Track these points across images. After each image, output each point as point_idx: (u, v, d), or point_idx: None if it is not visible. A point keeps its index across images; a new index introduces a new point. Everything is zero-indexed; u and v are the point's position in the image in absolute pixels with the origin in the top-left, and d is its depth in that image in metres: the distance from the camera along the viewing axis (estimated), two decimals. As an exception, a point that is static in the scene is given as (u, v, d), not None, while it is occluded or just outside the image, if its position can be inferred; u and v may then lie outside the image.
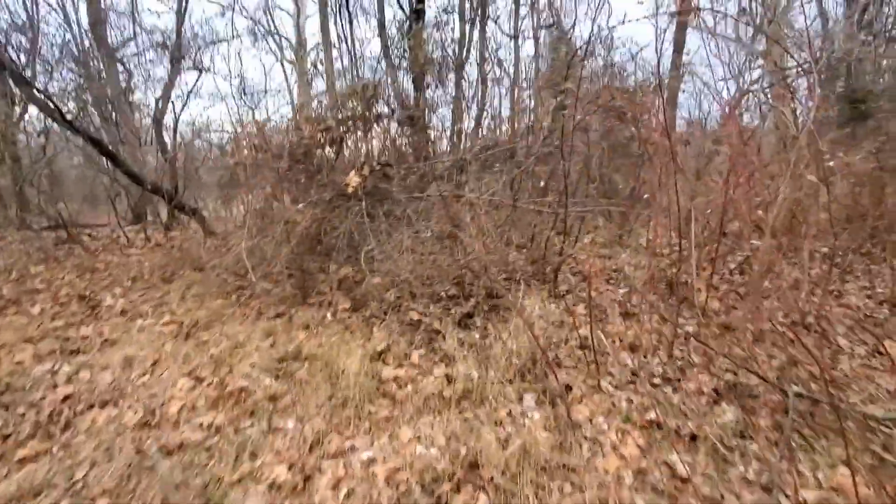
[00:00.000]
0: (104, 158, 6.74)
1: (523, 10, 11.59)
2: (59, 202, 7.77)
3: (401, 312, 3.08)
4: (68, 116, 6.34)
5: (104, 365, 2.71)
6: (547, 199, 3.61)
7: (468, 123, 6.29)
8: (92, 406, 2.35)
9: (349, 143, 4.61)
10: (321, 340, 2.82)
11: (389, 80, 5.23)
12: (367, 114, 4.30)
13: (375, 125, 4.53)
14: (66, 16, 9.60)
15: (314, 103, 6.26)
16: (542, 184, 3.84)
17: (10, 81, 6.63)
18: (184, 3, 9.37)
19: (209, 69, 10.71)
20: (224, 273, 3.88)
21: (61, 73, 8.77)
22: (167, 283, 4.14)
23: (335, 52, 10.76)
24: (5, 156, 8.56)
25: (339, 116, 4.49)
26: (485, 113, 7.11)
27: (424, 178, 4.06)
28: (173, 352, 2.80)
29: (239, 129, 4.14)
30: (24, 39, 8.33)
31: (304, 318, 3.18)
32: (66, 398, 2.41)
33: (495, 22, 10.56)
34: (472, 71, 8.37)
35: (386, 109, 4.61)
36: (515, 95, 7.95)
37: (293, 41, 15.31)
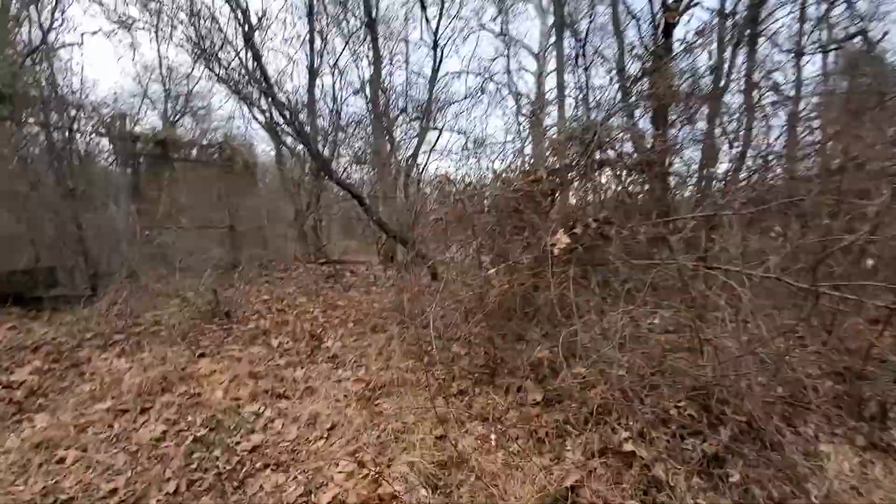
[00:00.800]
0: (362, 209, 8.03)
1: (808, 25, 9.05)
2: (330, 242, 9.64)
3: (606, 428, 2.23)
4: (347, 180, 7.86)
5: (295, 417, 2.76)
6: (877, 284, 2.19)
7: (725, 167, 4.90)
8: (267, 466, 2.34)
9: (565, 195, 4.03)
10: (496, 449, 2.23)
11: (622, 121, 4.49)
12: (587, 160, 3.66)
13: (596, 174, 3.84)
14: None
15: (528, 155, 6.00)
16: (869, 262, 2.39)
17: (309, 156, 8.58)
18: (435, 71, 10.78)
19: (449, 128, 11.95)
20: (422, 332, 3.76)
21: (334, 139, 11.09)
22: (377, 332, 4.30)
23: (569, 102, 10.51)
24: (309, 204, 11.24)
25: (556, 166, 3.98)
26: (749, 150, 5.49)
27: (657, 241, 3.12)
28: (351, 418, 2.66)
29: (450, 183, 4.08)
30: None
31: (485, 404, 2.67)
32: (254, 449, 2.48)
33: (769, 39, 8.50)
34: (733, 100, 6.76)
35: (611, 154, 3.87)
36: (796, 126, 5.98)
37: (531, 97, 15.95)
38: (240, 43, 6.61)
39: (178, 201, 8.80)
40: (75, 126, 6.89)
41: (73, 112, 7.08)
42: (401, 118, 11.79)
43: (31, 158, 6.59)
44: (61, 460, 2.41)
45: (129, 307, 5.17)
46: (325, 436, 2.54)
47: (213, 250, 10.02)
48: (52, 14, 8.98)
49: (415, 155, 11.24)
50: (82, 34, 13.16)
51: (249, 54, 6.83)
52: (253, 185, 9.76)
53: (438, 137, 11.87)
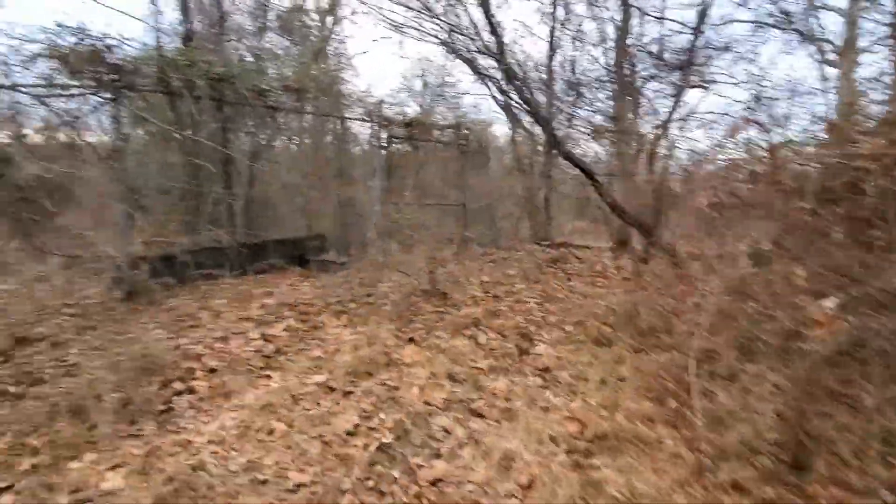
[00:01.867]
0: (594, 188, 7.01)
1: None
2: (556, 223, 8.93)
3: None
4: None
5: (487, 449, 2.21)
6: None
7: None
8: (443, 515, 1.84)
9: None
10: None
11: None
12: None
13: None
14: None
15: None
16: None
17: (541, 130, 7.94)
18: (704, 15, 8.51)
19: (714, 83, 9.41)
20: (668, 359, 2.70)
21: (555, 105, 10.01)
22: (601, 345, 3.41)
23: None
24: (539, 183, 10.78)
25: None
26: None
27: None
28: (556, 478, 1.94)
29: (738, 156, 2.77)
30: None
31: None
32: (435, 482, 2.03)
33: None
34: None
35: None
36: None
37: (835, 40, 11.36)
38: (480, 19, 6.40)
39: (421, 179, 9.52)
40: (347, 115, 8.01)
41: (346, 103, 8.24)
42: (651, 80, 9.95)
43: (316, 144, 8.00)
44: (271, 431, 2.47)
45: (366, 277, 5.65)
46: (519, 496, 1.90)
47: (446, 226, 10.65)
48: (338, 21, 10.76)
49: (666, 123, 9.34)
50: (372, 39, 15.76)
51: (489, 29, 6.61)
52: (485, 164, 9.80)
53: (701, 100, 9.55)
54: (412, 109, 9.19)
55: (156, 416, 2.70)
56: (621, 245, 9.33)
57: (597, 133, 10.59)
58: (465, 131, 9.38)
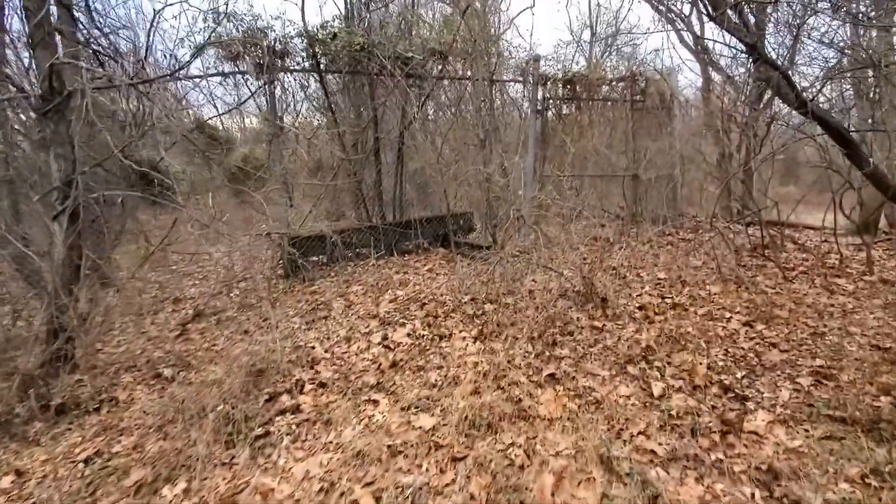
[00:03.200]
0: (845, 154, 4.79)
1: None
2: (762, 193, 6.65)
3: None
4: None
5: None
6: None
7: None
8: None
9: None
10: None
11: None
12: None
13: None
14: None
15: None
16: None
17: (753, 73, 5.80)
18: None
19: None
20: None
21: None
22: (878, 439, 1.98)
23: None
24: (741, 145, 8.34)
25: None
26: None
27: None
28: None
29: None
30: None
31: None
32: None
33: None
34: None
35: None
36: None
37: None
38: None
39: (583, 146, 8.13)
40: (499, 77, 7.09)
41: (499, 64, 7.31)
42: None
43: (466, 112, 7.32)
44: (354, 502, 1.91)
45: (510, 269, 4.84)
46: None
47: (612, 201, 9.07)
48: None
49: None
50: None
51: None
52: (667, 123, 7.86)
53: None
54: (577, 66, 7.77)
55: (252, 442, 2.41)
56: (869, 228, 6.62)
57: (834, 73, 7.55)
58: (642, 84, 7.60)
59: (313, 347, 3.40)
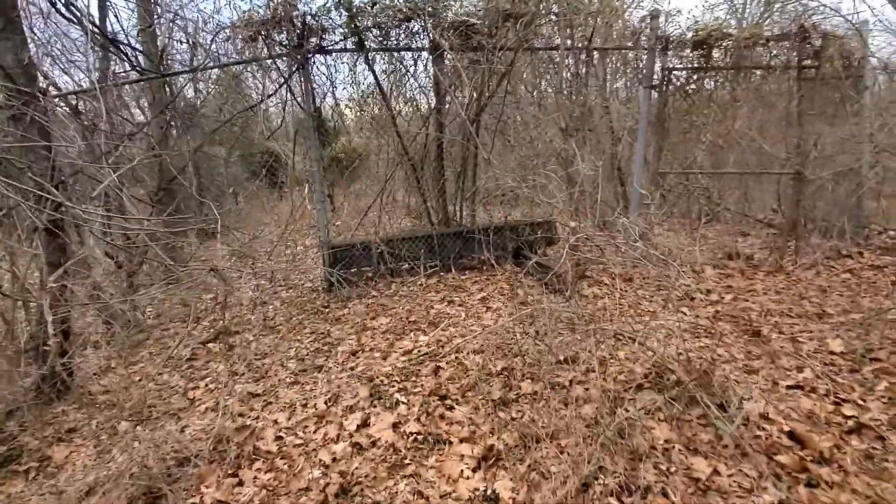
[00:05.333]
0: None
1: None
2: None
3: None
4: None
5: None
6: None
7: None
8: None
9: None
10: None
11: None
12: None
13: None
14: None
15: None
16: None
17: None
18: None
19: None
20: None
21: None
22: None
23: None
24: None
25: None
26: None
27: None
28: None
29: None
30: None
31: None
32: None
33: None
34: None
35: None
36: None
37: None
38: None
39: (724, 131, 6.05)
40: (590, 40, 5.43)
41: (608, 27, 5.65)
42: None
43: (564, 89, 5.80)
44: None
45: (589, 306, 3.41)
46: None
47: (760, 208, 6.76)
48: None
49: None
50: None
51: None
52: (853, 98, 5.41)
53: None
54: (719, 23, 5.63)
55: None
56: None
57: None
58: (816, 42, 5.27)
59: (264, 428, 2.49)
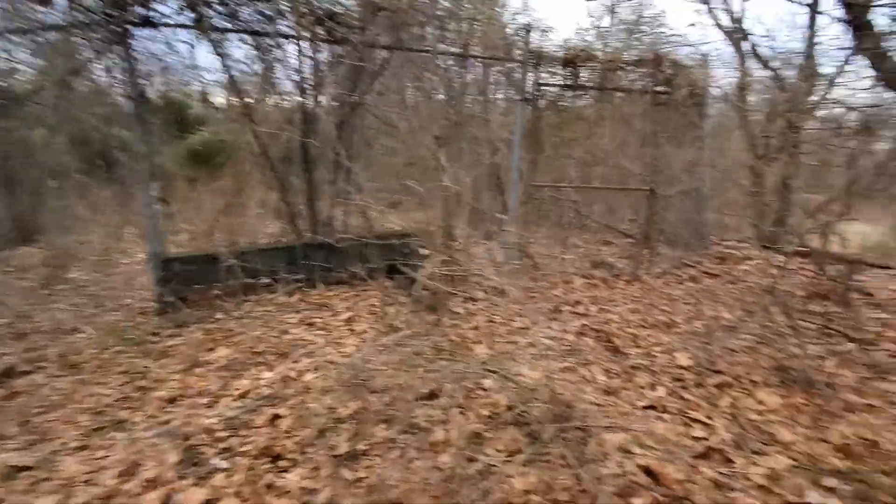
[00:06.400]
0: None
1: None
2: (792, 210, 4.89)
3: None
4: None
5: None
6: None
7: None
8: None
9: None
10: None
11: None
12: None
13: None
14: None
15: None
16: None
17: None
18: None
19: None
20: None
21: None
22: None
23: None
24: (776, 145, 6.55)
25: None
26: None
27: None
28: None
29: None
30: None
31: None
32: None
33: None
34: None
35: None
36: None
37: None
38: None
39: (590, 147, 6.36)
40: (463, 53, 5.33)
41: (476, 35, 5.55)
42: None
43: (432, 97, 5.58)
44: None
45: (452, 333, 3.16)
46: None
47: (619, 219, 7.29)
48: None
49: None
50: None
51: None
52: (697, 125, 6.05)
53: None
54: (598, 49, 5.92)
55: None
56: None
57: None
58: (668, 71, 5.79)
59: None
